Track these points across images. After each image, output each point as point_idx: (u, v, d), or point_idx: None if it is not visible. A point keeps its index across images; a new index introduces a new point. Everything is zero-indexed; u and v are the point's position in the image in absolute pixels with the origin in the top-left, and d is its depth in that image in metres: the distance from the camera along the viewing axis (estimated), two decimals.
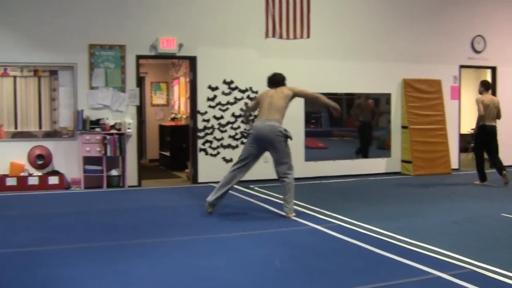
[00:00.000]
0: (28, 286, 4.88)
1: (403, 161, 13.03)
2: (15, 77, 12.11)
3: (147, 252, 6.03)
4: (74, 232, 7.08)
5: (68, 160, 10.82)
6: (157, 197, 10.05)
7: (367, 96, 12.96)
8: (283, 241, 6.64)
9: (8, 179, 10.36)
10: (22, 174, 10.49)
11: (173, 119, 14.65)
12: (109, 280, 5.06)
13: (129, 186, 10.93)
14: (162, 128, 14.85)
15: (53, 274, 5.25)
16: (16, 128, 12.27)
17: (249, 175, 11.38)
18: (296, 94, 8.37)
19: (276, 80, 8.52)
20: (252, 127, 8.16)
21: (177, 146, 13.54)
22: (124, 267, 5.48)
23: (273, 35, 11.56)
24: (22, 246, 6.31)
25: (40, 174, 10.56)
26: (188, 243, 6.49)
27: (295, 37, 11.71)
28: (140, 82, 11.49)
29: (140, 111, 11.45)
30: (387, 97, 13.02)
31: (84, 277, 5.14)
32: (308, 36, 11.74)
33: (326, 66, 12.38)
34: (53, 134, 11.24)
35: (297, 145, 12.00)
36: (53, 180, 10.50)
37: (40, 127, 12.15)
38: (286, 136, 7.98)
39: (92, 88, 10.97)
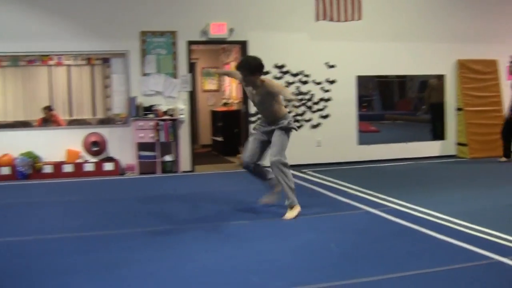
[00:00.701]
0: (89, 270, 4.95)
1: (458, 143, 12.78)
2: (69, 65, 12.28)
3: (204, 237, 6.06)
4: (131, 217, 7.17)
5: (122, 146, 10.96)
6: (211, 182, 10.10)
7: (438, 76, 12.72)
8: (339, 225, 6.58)
9: (65, 165, 10.55)
10: (78, 160, 10.67)
11: (224, 104, 14.67)
12: (168, 264, 5.10)
13: (183, 172, 11.01)
14: (214, 114, 14.90)
15: (113, 258, 5.32)
16: (71, 116, 12.47)
17: (302, 159, 11.45)
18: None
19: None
20: None
21: (229, 131, 13.56)
22: (182, 251, 5.52)
23: (324, 18, 11.48)
24: (81, 231, 6.41)
25: (95, 160, 10.72)
26: (244, 227, 6.50)
27: (346, 19, 11.60)
28: (191, 68, 11.52)
29: (192, 96, 11.48)
30: (441, 78, 12.77)
31: (143, 261, 5.18)
32: (359, 18, 11.63)
33: (377, 48, 12.19)
34: (107, 121, 11.38)
35: (350, 129, 11.94)
36: (108, 166, 10.65)
37: (94, 114, 12.32)
38: None
39: (144, 74, 11.06)
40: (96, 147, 10.76)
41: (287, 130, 7.17)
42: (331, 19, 11.53)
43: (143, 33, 11.03)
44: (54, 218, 7.19)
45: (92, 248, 5.70)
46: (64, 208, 7.80)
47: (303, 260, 5.20)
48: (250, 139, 7.47)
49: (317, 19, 11.45)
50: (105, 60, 11.67)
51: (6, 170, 10.34)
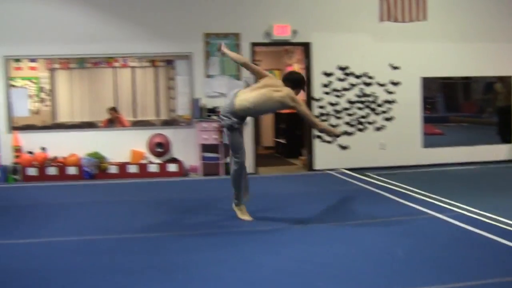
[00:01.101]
0: (154, 271, 4.99)
1: None
2: (133, 67, 12.46)
3: (268, 239, 6.05)
4: (195, 218, 7.21)
5: (186, 147, 11.06)
6: (274, 184, 10.08)
7: (504, 78, 12.42)
8: (404, 231, 6.45)
9: (129, 166, 10.70)
10: (142, 161, 10.81)
11: None
12: (232, 266, 5.10)
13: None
14: (276, 116, 14.88)
15: (178, 259, 5.35)
16: (135, 117, 12.64)
17: (365, 162, 11.35)
18: (294, 107, 6.89)
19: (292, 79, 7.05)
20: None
21: (292, 134, 13.52)
22: (246, 253, 5.52)
23: (388, 18, 11.34)
24: (147, 231, 6.48)
25: (159, 161, 10.84)
26: (308, 231, 6.45)
27: (410, 20, 11.43)
28: None
29: None
30: (507, 80, 12.45)
31: (208, 263, 5.20)
32: (424, 18, 11.45)
33: (442, 49, 11.97)
34: (171, 123, 11.49)
35: (414, 131, 11.76)
36: (172, 167, 10.76)
37: (158, 115, 12.45)
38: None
39: (208, 76, 11.14)
40: (160, 148, 10.88)
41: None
42: (396, 20, 11.37)
43: (207, 35, 11.11)
44: (118, 218, 7.28)
45: (157, 249, 5.75)
46: (130, 208, 7.90)
47: (369, 265, 5.12)
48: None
49: (381, 19, 11.32)
50: (169, 62, 11.80)
51: (73, 170, 10.57)
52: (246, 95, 6.79)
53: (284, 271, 4.96)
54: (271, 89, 6.79)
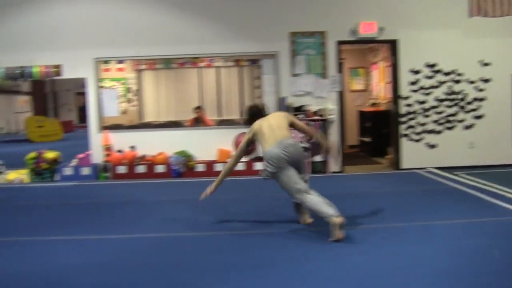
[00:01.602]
0: (244, 268, 5.00)
1: None
2: (218, 67, 12.59)
3: (359, 238, 5.95)
4: (283, 216, 7.18)
5: None
6: (361, 183, 9.95)
7: None
8: (498, 231, 6.23)
9: (216, 164, 10.77)
10: (228, 160, 10.84)
11: (372, 104, 14.46)
12: (324, 264, 5.07)
13: (332, 172, 10.94)
14: (361, 114, 14.72)
15: (268, 256, 5.36)
16: (219, 116, 12.76)
17: (453, 161, 11.08)
18: (291, 122, 6.97)
19: (260, 112, 7.06)
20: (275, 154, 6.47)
21: (378, 132, 13.34)
22: (337, 252, 5.46)
23: (478, 13, 11.00)
24: (237, 229, 6.51)
25: (246, 160, 10.86)
26: (399, 230, 6.32)
27: (502, 14, 11.05)
28: (339, 68, 11.42)
29: (340, 97, 11.38)
30: None
31: (297, 261, 5.18)
32: None
33: None
34: None
35: (505, 129, 11.41)
36: (258, 165, 10.76)
37: (242, 115, 12.51)
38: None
39: (294, 75, 11.10)
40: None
41: None
42: (486, 15, 11.03)
43: (293, 34, 11.08)
44: (207, 215, 7.32)
45: (248, 246, 5.77)
46: (218, 206, 7.92)
47: (464, 266, 4.98)
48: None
49: (471, 15, 11.00)
50: (253, 62, 11.87)
51: (161, 168, 10.72)
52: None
53: (376, 270, 4.88)
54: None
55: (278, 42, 11.10)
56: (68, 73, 11.25)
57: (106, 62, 11.46)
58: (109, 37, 11.21)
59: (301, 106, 10.90)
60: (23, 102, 29.06)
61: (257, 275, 4.79)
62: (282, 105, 10.89)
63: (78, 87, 27.67)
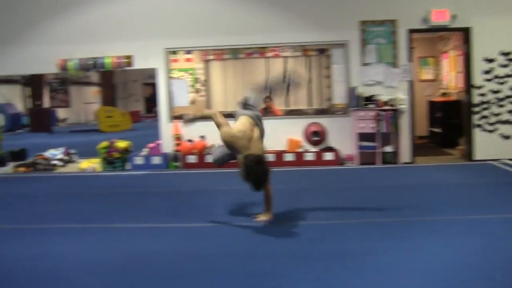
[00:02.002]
0: (327, 258, 4.94)
1: None
2: (285, 57, 12.55)
3: (437, 230, 5.81)
4: (357, 206, 7.09)
5: (342, 136, 10.94)
6: (433, 174, 9.75)
7: None
8: None
9: (286, 154, 10.74)
10: (299, 150, 10.81)
11: (443, 94, 14.17)
12: (404, 256, 4.96)
13: (403, 163, 10.77)
14: (431, 104, 14.44)
15: (349, 247, 5.28)
16: (287, 106, 12.73)
17: None
18: None
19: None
20: None
21: (449, 123, 13.06)
22: (417, 243, 5.34)
23: None
24: (312, 219, 6.44)
25: (316, 150, 10.80)
26: (477, 222, 6.13)
27: None
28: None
29: (411, 87, 11.17)
30: None
31: (379, 251, 5.09)
32: None
33: None
34: (326, 111, 11.43)
35: None
36: (328, 156, 10.68)
37: (310, 104, 12.47)
38: None
39: (364, 64, 10.96)
40: (317, 137, 10.84)
41: None
42: None
43: (363, 23, 10.92)
44: (280, 205, 7.25)
45: (322, 237, 5.70)
46: (290, 195, 7.87)
47: None
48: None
49: None
50: (321, 51, 11.77)
51: None
52: None
53: (459, 262, 4.75)
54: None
55: (348, 31, 10.96)
56: (139, 64, 11.39)
57: (174, 52, 11.53)
58: (178, 28, 11.29)
59: (371, 96, 10.75)
60: (95, 93, 29.63)
61: (335, 266, 4.73)
62: (353, 95, 10.77)
63: (144, 78, 28.15)
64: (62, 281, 4.65)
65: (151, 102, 30.40)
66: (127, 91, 29.98)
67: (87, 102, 29.77)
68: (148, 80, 25.65)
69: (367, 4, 10.94)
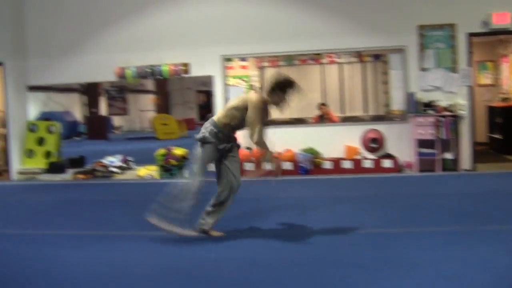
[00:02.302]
0: (388, 267, 4.84)
1: None
2: (341, 63, 12.46)
3: (501, 239, 5.62)
4: (417, 214, 6.96)
5: (400, 143, 10.77)
6: (496, 182, 9.50)
7: None
8: None
9: (344, 162, 10.63)
10: (357, 157, 10.69)
11: (503, 99, 13.85)
12: (472, 267, 4.81)
13: (463, 170, 10.55)
14: (490, 110, 14.14)
15: (411, 255, 5.16)
16: (342, 112, 12.63)
17: None
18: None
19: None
20: None
21: (509, 128, 12.74)
22: (476, 253, 5.19)
23: None
24: (376, 227, 6.34)
25: (374, 157, 10.67)
26: None
27: None
28: None
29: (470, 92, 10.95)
30: None
31: (442, 260, 4.95)
32: None
33: None
34: (383, 118, 11.30)
35: None
36: (386, 163, 10.53)
37: (366, 111, 12.34)
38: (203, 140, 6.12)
39: (422, 69, 10.79)
40: (375, 143, 10.71)
41: None
42: None
43: (421, 27, 10.76)
44: (341, 213, 7.20)
45: (382, 244, 5.59)
46: (350, 204, 7.80)
47: None
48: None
49: None
50: (376, 57, 11.64)
51: (288, 165, 10.67)
52: None
53: None
54: None
55: (406, 35, 10.80)
56: (195, 71, 11.46)
57: (229, 59, 11.56)
58: (234, 35, 11.33)
59: (430, 102, 10.57)
60: (152, 100, 29.90)
61: (399, 275, 4.62)
62: (411, 101, 10.61)
63: (198, 85, 28.28)
64: None
65: (204, 109, 30.59)
66: (181, 98, 30.17)
67: (142, 109, 30.08)
68: (201, 87, 25.78)
69: (426, 8, 10.78)
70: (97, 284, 4.75)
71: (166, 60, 11.40)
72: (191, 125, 25.69)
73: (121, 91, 26.30)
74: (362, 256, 5.22)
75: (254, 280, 4.70)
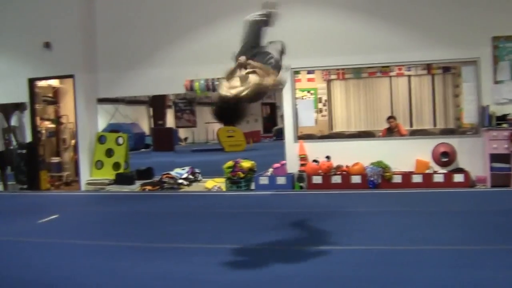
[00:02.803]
0: (463, 286, 4.70)
1: None
2: (409, 76, 12.29)
3: None
4: (491, 231, 6.71)
5: (472, 157, 10.48)
6: None
7: None
8: None
9: (414, 176, 10.41)
10: (427, 171, 10.46)
11: None
12: None
13: None
14: None
15: (487, 274, 4.99)
16: (411, 126, 12.43)
17: None
18: None
19: None
20: None
21: None
22: None
23: None
24: (450, 244, 6.15)
25: (444, 171, 10.42)
26: None
27: None
28: None
29: None
30: None
31: None
32: None
33: None
34: (452, 131, 11.06)
35: None
36: (458, 177, 10.26)
37: (435, 124, 12.11)
38: None
39: (496, 82, 10.50)
40: (446, 157, 10.47)
41: None
42: None
43: (496, 38, 10.47)
44: (410, 229, 7.02)
45: (461, 262, 5.41)
46: (423, 218, 7.61)
47: None
48: None
49: None
50: (446, 69, 11.43)
51: (357, 179, 10.53)
52: None
53: None
54: None
55: (478, 47, 10.52)
56: None
57: (297, 72, 11.51)
58: (303, 47, 11.24)
59: (505, 115, 10.26)
60: None
61: None
62: (484, 114, 10.32)
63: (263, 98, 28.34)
64: None
65: (269, 121, 30.64)
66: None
67: (207, 122, 30.35)
68: (265, 100, 25.86)
69: (500, 19, 10.48)
70: None
71: None
72: (257, 138, 25.78)
73: (189, 104, 26.56)
74: (437, 275, 5.04)
75: None
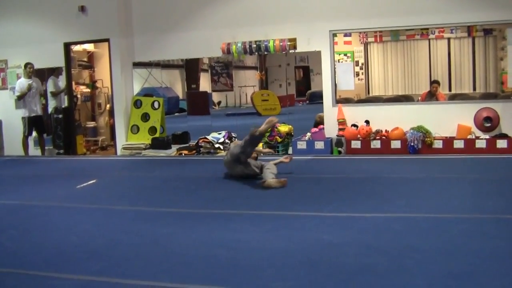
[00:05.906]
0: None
1: None
2: (448, 38, 12.00)
3: None
4: None
5: None
6: None
7: None
8: None
9: (455, 141, 10.20)
10: (469, 136, 10.24)
11: None
12: None
13: None
14: None
15: None
16: (450, 90, 12.18)
17: None
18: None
19: None
20: None
21: None
22: None
23: None
24: (499, 212, 5.99)
25: (487, 137, 10.19)
26: None
27: None
28: None
29: None
30: None
31: None
32: None
33: None
34: (495, 95, 10.79)
35: None
36: (501, 143, 10.02)
37: (474, 88, 11.84)
38: None
39: None
40: (489, 123, 10.23)
41: None
42: None
43: None
44: (455, 196, 6.86)
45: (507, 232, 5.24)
46: (468, 185, 7.44)
47: None
48: None
49: None
50: (487, 31, 11.11)
51: (397, 144, 10.36)
52: None
53: None
54: None
55: None
56: (301, 47, 11.28)
57: (334, 35, 11.30)
58: (341, 10, 11.05)
59: None
60: (257, 76, 29.97)
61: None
62: None
63: (296, 61, 28.07)
64: (246, 271, 4.52)
65: (302, 85, 30.34)
66: (279, 74, 30.07)
67: (241, 85, 30.22)
68: (300, 63, 25.60)
69: None
70: (215, 266, 4.65)
71: (272, 36, 11.27)
72: (291, 101, 25.56)
73: (226, 67, 26.43)
74: (493, 245, 4.86)
75: (377, 266, 4.47)
